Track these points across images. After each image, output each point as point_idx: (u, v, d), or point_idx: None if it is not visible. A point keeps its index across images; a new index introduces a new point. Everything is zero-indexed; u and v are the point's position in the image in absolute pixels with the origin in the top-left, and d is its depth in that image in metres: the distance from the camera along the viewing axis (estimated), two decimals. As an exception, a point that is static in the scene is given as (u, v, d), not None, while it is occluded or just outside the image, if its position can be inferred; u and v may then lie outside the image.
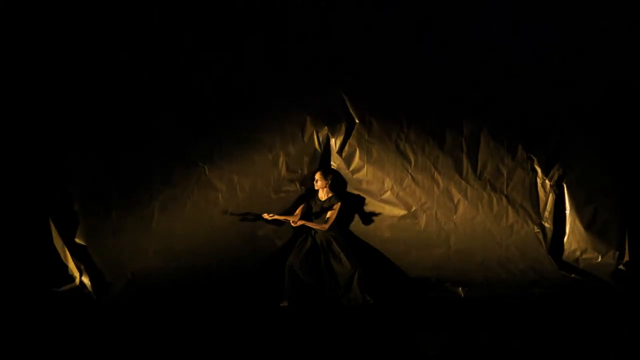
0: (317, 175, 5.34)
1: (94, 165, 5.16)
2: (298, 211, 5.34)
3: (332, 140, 5.47)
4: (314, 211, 5.36)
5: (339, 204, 5.25)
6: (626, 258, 5.52)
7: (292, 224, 5.22)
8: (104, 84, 5.18)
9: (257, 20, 5.32)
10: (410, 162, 5.51)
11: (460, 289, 5.42)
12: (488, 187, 5.56)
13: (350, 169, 5.49)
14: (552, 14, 5.47)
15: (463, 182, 5.54)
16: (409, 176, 5.50)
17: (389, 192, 5.50)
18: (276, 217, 5.20)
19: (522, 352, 3.98)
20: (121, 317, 4.73)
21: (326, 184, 5.32)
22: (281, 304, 5.06)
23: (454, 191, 5.54)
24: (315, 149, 5.48)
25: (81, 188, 5.14)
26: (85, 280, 5.08)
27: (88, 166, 5.16)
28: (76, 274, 5.12)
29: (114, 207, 5.16)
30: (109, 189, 5.16)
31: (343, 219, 5.48)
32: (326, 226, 5.21)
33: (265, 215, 5.20)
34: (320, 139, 5.47)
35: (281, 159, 5.42)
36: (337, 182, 5.49)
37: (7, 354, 4.03)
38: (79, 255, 5.11)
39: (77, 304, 4.96)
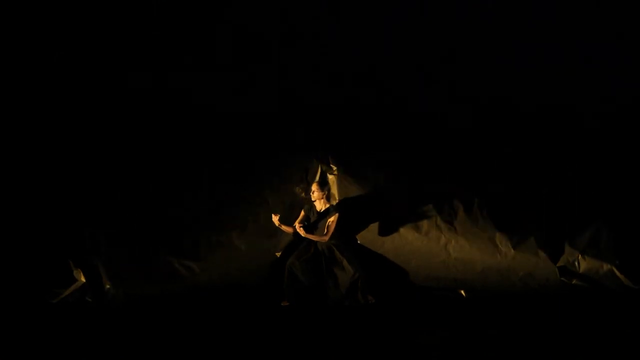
0: (314, 187, 5.38)
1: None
2: (297, 222, 5.31)
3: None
4: (312, 221, 5.35)
5: (337, 214, 5.27)
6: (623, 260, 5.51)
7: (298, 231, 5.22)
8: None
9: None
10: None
11: (462, 290, 5.39)
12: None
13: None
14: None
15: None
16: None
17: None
18: (279, 224, 5.18)
19: (524, 351, 3.95)
20: (121, 321, 4.74)
21: (323, 195, 5.35)
22: (282, 304, 5.06)
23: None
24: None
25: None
26: (85, 284, 5.13)
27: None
28: (79, 276, 5.18)
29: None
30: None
31: (345, 226, 5.46)
32: (326, 238, 5.22)
33: (274, 217, 5.17)
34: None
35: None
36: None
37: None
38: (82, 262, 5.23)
39: (74, 308, 5.00)
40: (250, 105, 5.57)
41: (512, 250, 5.57)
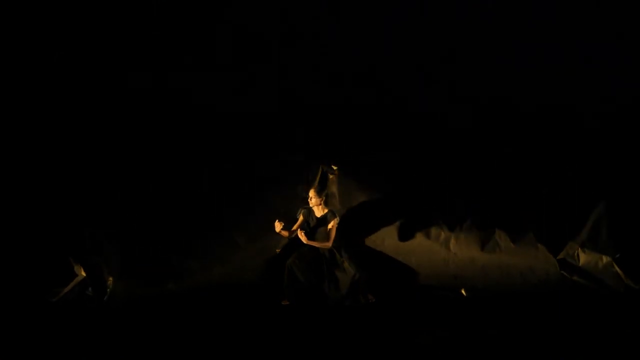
0: (311, 193, 5.34)
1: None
2: (295, 227, 5.31)
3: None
4: (312, 226, 5.33)
5: (336, 219, 5.25)
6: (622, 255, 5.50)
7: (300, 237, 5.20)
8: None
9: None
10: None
11: (463, 290, 5.39)
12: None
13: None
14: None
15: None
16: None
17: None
18: (280, 230, 5.12)
19: (524, 351, 3.95)
20: (121, 321, 4.74)
21: (320, 201, 5.33)
22: (283, 303, 5.06)
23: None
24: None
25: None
26: (85, 279, 5.15)
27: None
28: (79, 271, 5.22)
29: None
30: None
31: (345, 228, 5.46)
32: (329, 244, 5.20)
33: (278, 224, 5.09)
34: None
35: None
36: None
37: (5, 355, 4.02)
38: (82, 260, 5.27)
39: (75, 307, 5.03)
40: (250, 105, 5.59)
41: (512, 245, 5.57)
